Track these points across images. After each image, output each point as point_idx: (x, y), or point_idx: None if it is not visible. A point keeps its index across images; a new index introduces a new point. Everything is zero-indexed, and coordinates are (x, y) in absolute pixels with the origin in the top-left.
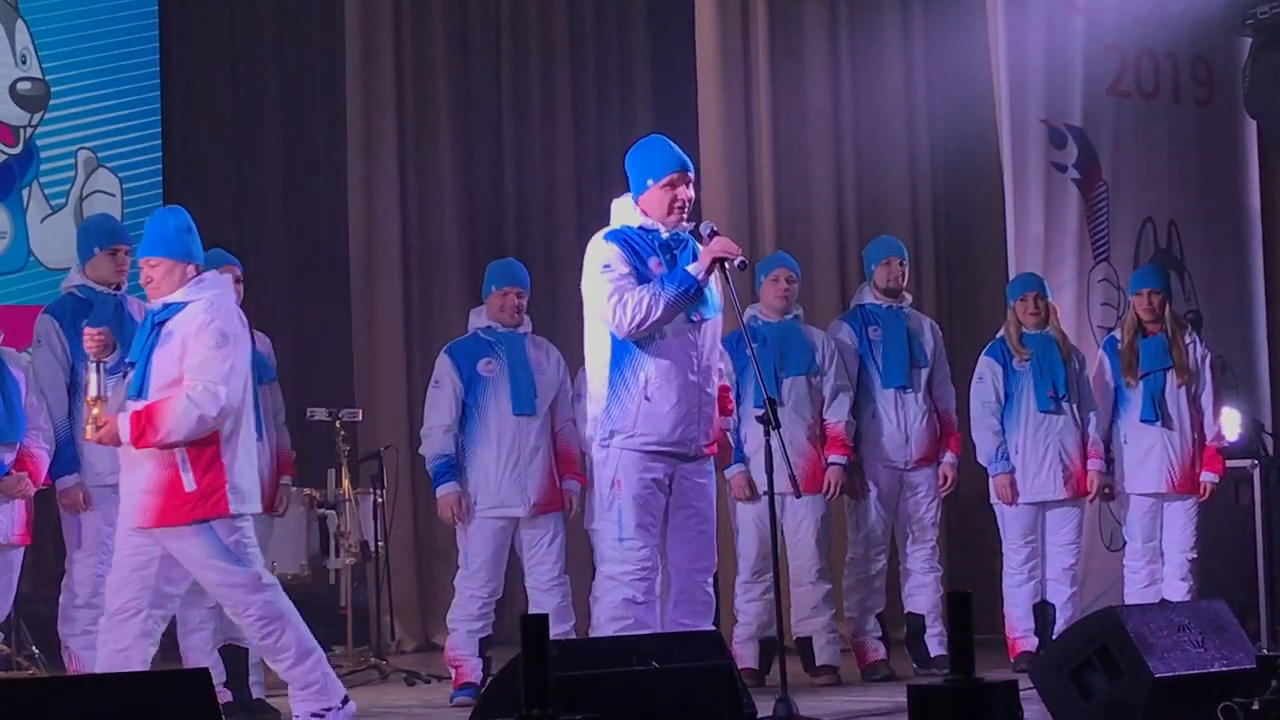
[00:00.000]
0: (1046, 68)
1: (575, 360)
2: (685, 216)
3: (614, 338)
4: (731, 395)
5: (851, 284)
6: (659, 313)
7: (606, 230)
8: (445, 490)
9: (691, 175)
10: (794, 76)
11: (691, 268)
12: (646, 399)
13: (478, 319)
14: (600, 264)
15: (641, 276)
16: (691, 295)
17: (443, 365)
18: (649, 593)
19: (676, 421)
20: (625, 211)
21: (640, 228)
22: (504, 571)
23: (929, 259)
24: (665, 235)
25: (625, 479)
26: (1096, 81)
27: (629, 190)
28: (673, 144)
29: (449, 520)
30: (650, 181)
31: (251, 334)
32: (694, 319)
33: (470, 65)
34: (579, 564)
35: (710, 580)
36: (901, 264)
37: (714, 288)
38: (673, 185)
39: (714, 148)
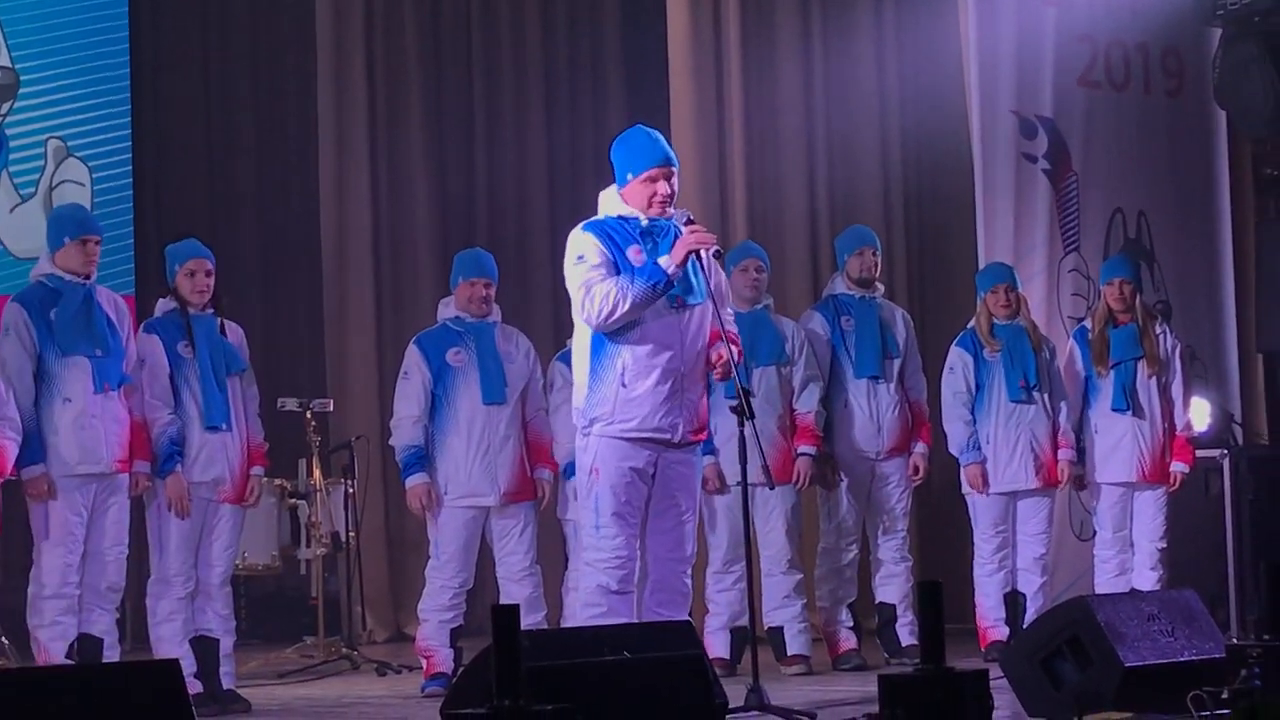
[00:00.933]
0: (1017, 58)
1: (546, 350)
2: (666, 210)
3: None
4: (725, 342)
5: (823, 274)
6: (626, 306)
7: (586, 221)
8: (414, 481)
9: (674, 169)
10: (766, 68)
11: (663, 260)
12: (623, 385)
13: (446, 310)
14: (575, 255)
15: (620, 266)
16: (661, 289)
17: (411, 356)
18: (624, 582)
19: (655, 407)
20: (610, 202)
21: (620, 217)
22: (475, 561)
23: (900, 249)
24: (645, 223)
25: (603, 467)
26: (1067, 72)
27: (615, 181)
28: (657, 137)
29: (418, 511)
30: (630, 176)
31: (223, 325)
32: (675, 305)
33: (442, 57)
34: (551, 554)
35: (688, 571)
36: (874, 254)
37: (700, 273)
38: (652, 180)
39: (686, 139)
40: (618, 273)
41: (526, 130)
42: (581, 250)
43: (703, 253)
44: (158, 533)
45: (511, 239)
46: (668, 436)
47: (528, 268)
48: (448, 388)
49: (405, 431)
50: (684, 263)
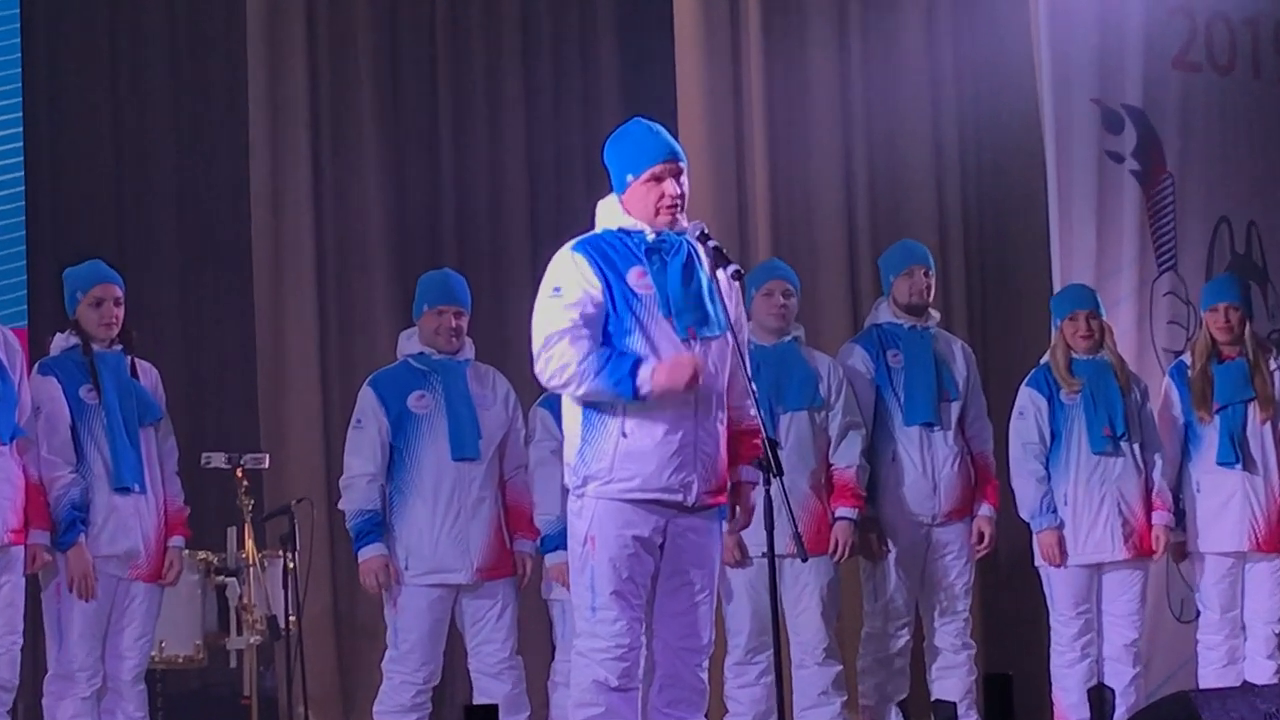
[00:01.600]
0: (1099, 36)
1: (526, 394)
2: (677, 215)
3: None
4: (760, 440)
5: (864, 299)
6: (578, 392)
7: (578, 239)
8: (369, 553)
9: (683, 164)
10: (793, 45)
11: (642, 375)
12: (624, 435)
13: (408, 344)
14: (551, 285)
15: (615, 296)
16: (623, 399)
17: (366, 401)
18: (626, 676)
19: (664, 462)
20: (610, 212)
21: (620, 230)
22: (442, 651)
23: (958, 268)
24: (651, 237)
25: (600, 535)
26: (1159, 53)
27: (612, 187)
28: (657, 129)
29: (373, 590)
30: (630, 178)
31: (134, 364)
32: (687, 336)
33: (399, 34)
34: (536, 642)
35: (704, 663)
36: (927, 274)
37: (719, 300)
38: (657, 180)
39: (695, 132)
40: (615, 300)
41: (502, 125)
42: (560, 280)
43: (720, 275)
44: (57, 618)
45: (485, 259)
46: (679, 498)
47: (504, 294)
48: (409, 439)
49: (358, 493)
50: (662, 395)
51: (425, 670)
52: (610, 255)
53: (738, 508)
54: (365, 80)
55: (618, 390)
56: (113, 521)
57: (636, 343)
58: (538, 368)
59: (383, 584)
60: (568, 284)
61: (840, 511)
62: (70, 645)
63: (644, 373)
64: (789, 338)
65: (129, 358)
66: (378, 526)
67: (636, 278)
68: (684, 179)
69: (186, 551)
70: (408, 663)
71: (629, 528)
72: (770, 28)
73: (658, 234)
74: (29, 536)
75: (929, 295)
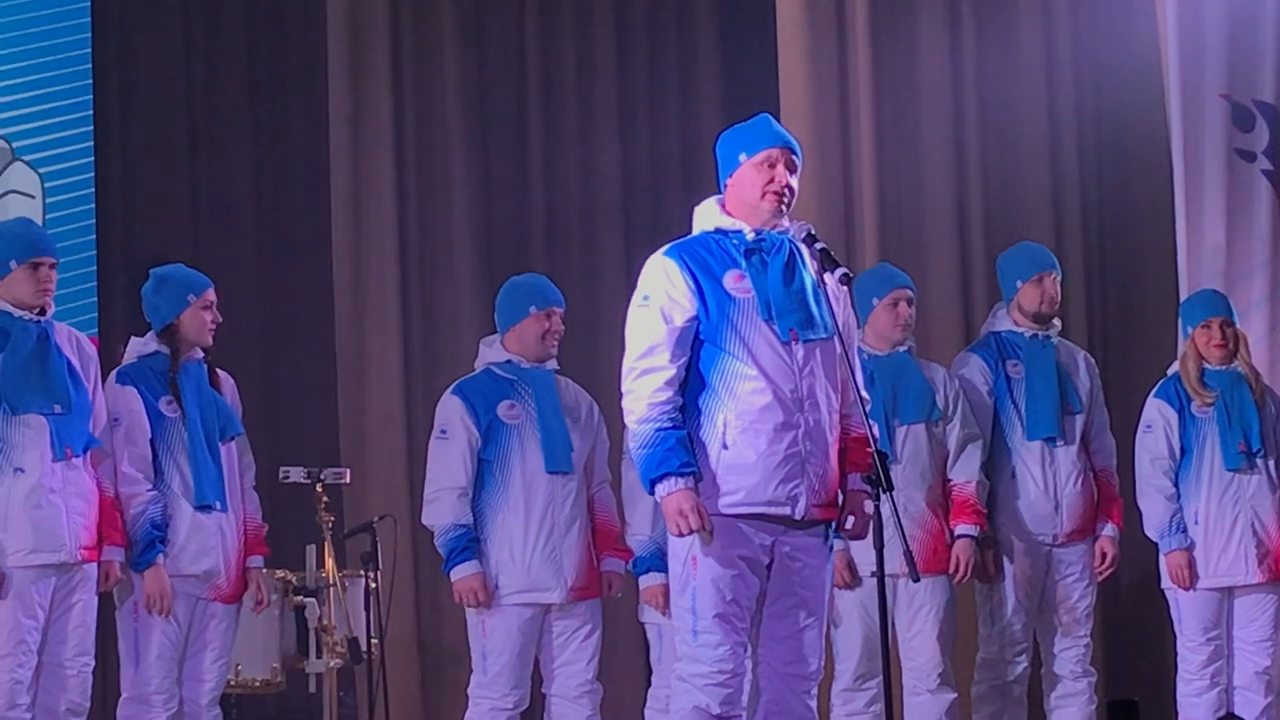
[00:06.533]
0: (1229, 28)
1: (617, 409)
2: (783, 206)
3: (685, 371)
4: (872, 448)
5: (978, 305)
6: (629, 429)
7: (672, 243)
8: (465, 570)
9: (797, 161)
10: (901, 39)
11: (661, 490)
12: (725, 447)
13: (491, 352)
14: (642, 293)
15: (710, 305)
16: (644, 478)
17: (451, 409)
18: (729, 703)
19: (769, 473)
20: (706, 214)
21: (718, 231)
22: (530, 675)
23: (1076, 272)
24: (751, 236)
25: (703, 555)
26: None
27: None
28: (780, 126)
29: (473, 606)
30: (743, 156)
31: (213, 373)
32: (789, 339)
33: (486, 38)
34: (630, 666)
35: (813, 691)
36: (1056, 281)
37: (824, 302)
38: (770, 163)
39: (800, 131)
40: (710, 306)
41: (594, 128)
42: (649, 288)
43: (828, 278)
44: (133, 639)
45: (576, 265)
46: (786, 510)
47: (597, 301)
48: (500, 451)
49: (447, 507)
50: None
51: (515, 695)
52: (706, 259)
53: (851, 515)
54: (450, 75)
55: (644, 468)
56: (195, 540)
57: (734, 348)
58: (625, 384)
59: (481, 603)
60: (656, 293)
61: (961, 529)
62: (147, 667)
63: (662, 489)
64: (903, 348)
65: (207, 366)
66: (472, 543)
67: (734, 281)
68: (796, 178)
69: (265, 571)
70: (496, 687)
71: (734, 547)
72: (877, 20)
73: (757, 233)
74: (103, 553)
75: (1056, 303)
